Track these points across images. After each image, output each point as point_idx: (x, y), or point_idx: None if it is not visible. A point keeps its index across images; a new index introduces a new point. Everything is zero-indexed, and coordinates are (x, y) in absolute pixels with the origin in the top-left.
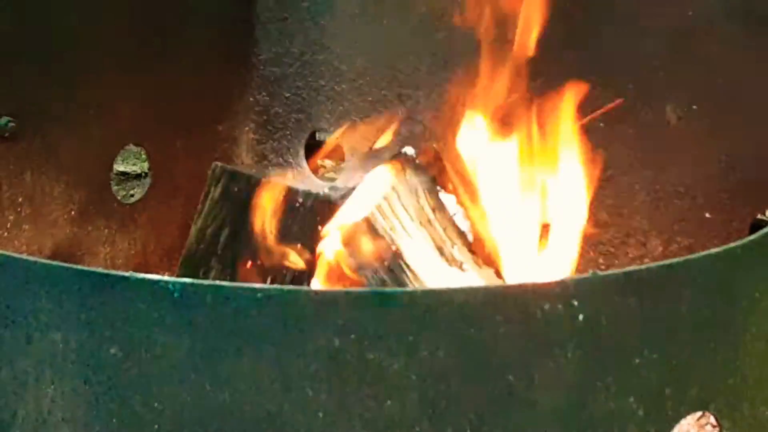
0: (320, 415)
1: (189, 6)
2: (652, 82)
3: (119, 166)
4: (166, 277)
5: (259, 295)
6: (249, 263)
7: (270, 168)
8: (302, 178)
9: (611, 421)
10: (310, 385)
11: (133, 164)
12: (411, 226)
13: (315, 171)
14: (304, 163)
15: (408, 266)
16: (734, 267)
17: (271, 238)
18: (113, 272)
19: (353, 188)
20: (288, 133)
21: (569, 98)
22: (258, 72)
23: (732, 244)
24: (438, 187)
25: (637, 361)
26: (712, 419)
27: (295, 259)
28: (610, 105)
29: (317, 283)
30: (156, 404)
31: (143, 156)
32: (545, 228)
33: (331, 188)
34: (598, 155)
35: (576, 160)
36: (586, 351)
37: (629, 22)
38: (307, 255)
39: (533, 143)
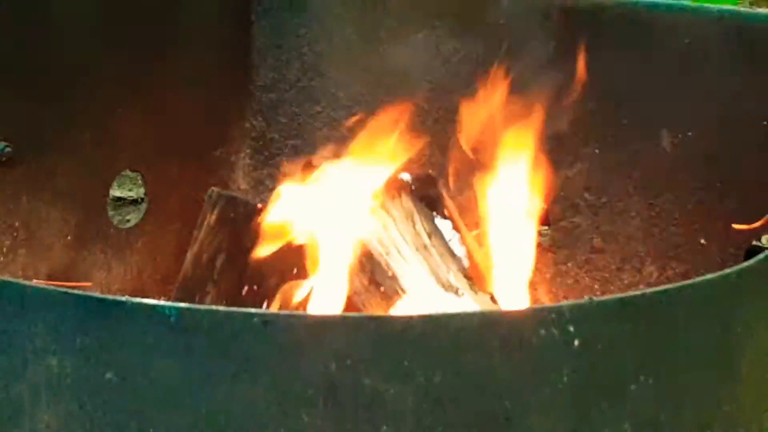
0: None
1: (185, 32)
2: (647, 108)
3: (115, 192)
4: (162, 302)
5: (255, 320)
6: (246, 288)
7: (266, 193)
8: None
9: None
10: (306, 411)
11: (130, 189)
12: (407, 252)
13: None
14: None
15: (404, 291)
16: (730, 293)
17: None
18: (109, 297)
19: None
20: (284, 158)
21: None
22: (254, 98)
23: (727, 271)
24: (433, 213)
25: (632, 386)
26: None
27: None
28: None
29: (313, 309)
30: (152, 429)
31: (139, 181)
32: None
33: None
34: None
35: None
36: (581, 377)
37: (624, 47)
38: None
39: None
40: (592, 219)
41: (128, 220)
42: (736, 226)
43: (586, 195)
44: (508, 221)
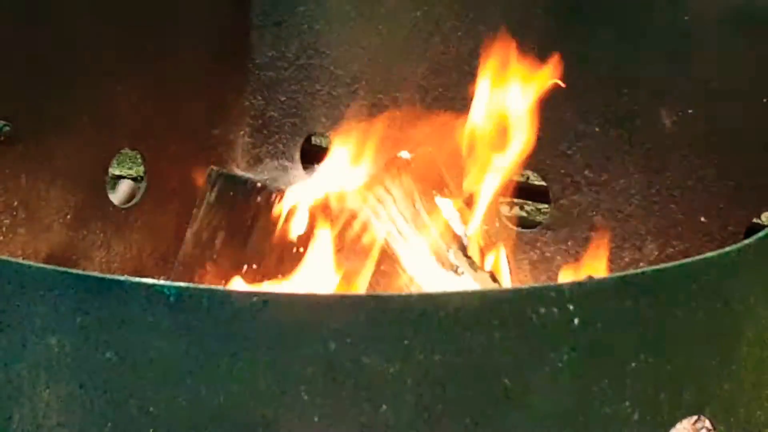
0: (316, 419)
1: (185, 10)
2: (647, 87)
3: (115, 170)
4: (161, 282)
5: (254, 299)
6: (245, 267)
7: (265, 172)
8: (298, 182)
9: (607, 426)
10: (306, 390)
11: (129, 168)
12: (407, 230)
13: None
14: (299, 167)
15: (404, 270)
16: (730, 271)
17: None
18: (109, 276)
19: (350, 191)
20: (283, 137)
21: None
22: (253, 76)
23: (727, 249)
24: (433, 191)
25: (632, 365)
26: (708, 423)
27: None
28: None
29: (312, 287)
30: (151, 408)
31: (138, 160)
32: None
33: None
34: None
35: None
36: (581, 355)
37: (624, 26)
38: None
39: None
40: (592, 197)
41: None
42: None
43: (587, 173)
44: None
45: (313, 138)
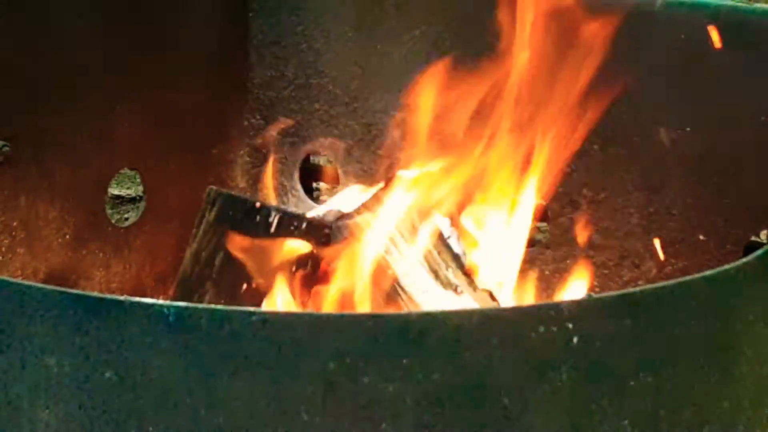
0: None
1: (183, 30)
2: (645, 104)
3: (114, 190)
4: (161, 301)
5: (254, 318)
6: (244, 286)
7: (264, 191)
8: (297, 201)
9: None
10: (305, 409)
11: (128, 188)
12: (406, 249)
13: (310, 194)
14: (298, 186)
15: (403, 289)
16: (729, 289)
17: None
18: (108, 296)
19: (349, 211)
20: (282, 156)
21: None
22: (252, 95)
23: (726, 267)
24: (432, 210)
25: (631, 383)
26: None
27: None
28: None
29: (312, 307)
30: (151, 428)
31: (138, 180)
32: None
33: (327, 212)
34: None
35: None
36: (580, 374)
37: (622, 43)
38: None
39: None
40: (591, 215)
41: (126, 219)
42: None
43: (585, 191)
44: (506, 218)
45: (311, 157)
